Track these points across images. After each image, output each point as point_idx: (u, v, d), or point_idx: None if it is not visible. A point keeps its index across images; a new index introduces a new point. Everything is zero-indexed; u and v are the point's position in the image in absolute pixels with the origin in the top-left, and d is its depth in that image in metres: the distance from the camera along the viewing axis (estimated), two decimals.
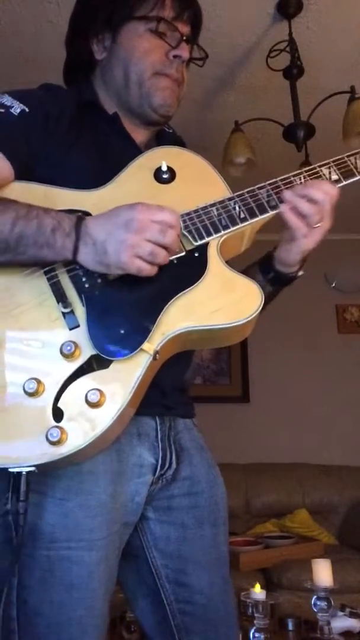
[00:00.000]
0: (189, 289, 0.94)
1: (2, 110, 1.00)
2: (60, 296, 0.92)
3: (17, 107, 1.01)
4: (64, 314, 0.91)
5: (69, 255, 0.90)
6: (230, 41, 2.38)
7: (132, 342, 0.89)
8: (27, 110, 1.01)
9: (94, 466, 0.94)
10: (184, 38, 1.10)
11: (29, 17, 2.25)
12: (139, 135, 1.15)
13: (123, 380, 0.89)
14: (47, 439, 0.84)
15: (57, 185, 1.00)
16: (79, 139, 1.05)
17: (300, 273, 1.14)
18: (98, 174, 1.02)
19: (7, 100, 1.02)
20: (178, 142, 1.20)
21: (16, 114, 1.00)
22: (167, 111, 1.12)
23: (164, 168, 1.01)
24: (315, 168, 1.06)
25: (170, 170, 1.02)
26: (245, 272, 1.15)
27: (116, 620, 2.05)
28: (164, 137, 1.20)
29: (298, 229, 1.02)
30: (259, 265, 1.16)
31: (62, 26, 2.20)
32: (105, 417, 0.87)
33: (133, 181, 1.02)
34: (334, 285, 4.07)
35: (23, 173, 0.99)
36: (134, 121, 1.14)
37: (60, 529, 0.91)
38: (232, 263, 1.02)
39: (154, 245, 0.89)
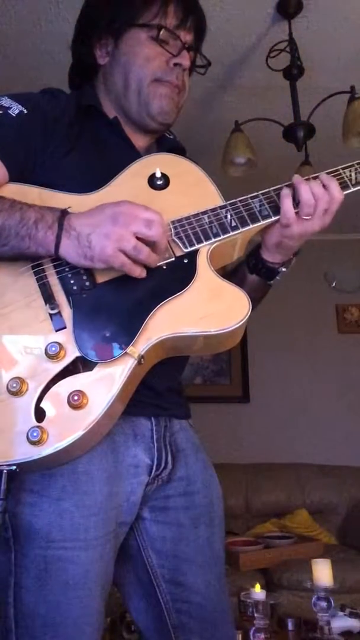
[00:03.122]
0: (176, 294, 0.94)
1: (0, 112, 1.00)
2: (48, 297, 0.92)
3: (15, 108, 1.01)
4: (51, 315, 0.92)
5: (50, 247, 0.90)
6: (230, 41, 2.38)
7: (117, 345, 0.90)
8: (25, 111, 1.01)
9: (90, 466, 0.95)
10: (186, 46, 1.10)
11: (29, 17, 2.25)
12: (139, 140, 1.15)
13: (106, 383, 0.89)
14: (27, 438, 0.85)
15: (54, 188, 1.00)
16: (78, 143, 1.05)
17: (283, 269, 1.12)
18: (96, 179, 1.02)
19: (6, 101, 1.02)
20: (178, 148, 1.20)
21: (14, 115, 1.00)
22: (165, 119, 1.12)
23: (158, 174, 1.02)
24: (308, 178, 1.05)
25: (165, 176, 1.03)
26: (235, 266, 1.15)
27: (116, 620, 2.05)
28: (164, 142, 1.20)
29: (285, 212, 1.01)
30: (247, 254, 1.14)
31: (62, 26, 2.24)
32: (86, 419, 0.87)
33: (127, 186, 1.02)
34: (334, 285, 4.07)
35: (19, 174, 0.99)
36: (134, 127, 1.14)
37: (56, 528, 0.92)
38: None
39: (138, 241, 0.89)
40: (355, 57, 2.49)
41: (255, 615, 1.91)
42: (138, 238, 0.90)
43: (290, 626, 2.10)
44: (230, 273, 1.16)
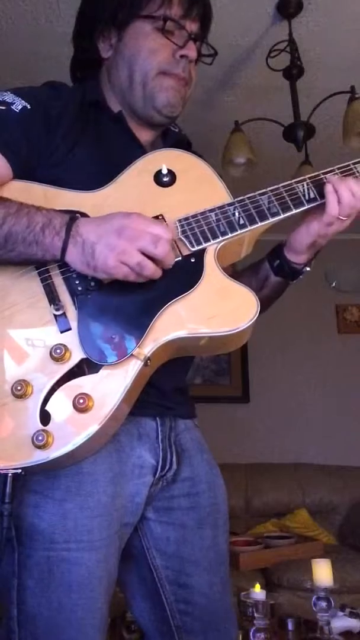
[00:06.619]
0: (183, 295, 0.92)
1: (3, 108, 0.99)
2: (53, 298, 0.91)
3: (18, 104, 0.99)
4: (55, 316, 0.90)
5: (57, 253, 0.89)
6: (230, 41, 2.38)
7: (123, 347, 0.88)
8: (28, 107, 1.00)
9: (94, 467, 0.94)
10: (192, 36, 1.07)
11: (29, 17, 2.25)
12: (144, 134, 1.13)
13: (112, 385, 0.88)
14: (32, 442, 0.84)
15: (59, 184, 0.98)
16: (82, 137, 1.04)
17: (307, 269, 1.11)
18: (100, 174, 1.01)
19: (9, 97, 1.01)
20: (184, 141, 1.18)
21: (17, 110, 0.99)
22: (171, 112, 1.09)
23: (164, 171, 1.00)
24: (319, 175, 1.03)
25: (171, 173, 1.01)
26: (253, 265, 1.14)
27: (116, 620, 2.05)
28: (169, 136, 1.18)
29: (331, 210, 0.99)
30: (268, 254, 1.13)
31: (62, 26, 2.24)
32: (92, 422, 0.86)
33: (133, 183, 1.00)
34: (334, 285, 4.07)
35: (23, 171, 0.98)
36: (139, 122, 1.12)
37: (60, 529, 0.91)
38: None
39: (143, 257, 0.87)
40: (355, 57, 2.49)
41: (255, 615, 1.90)
42: (144, 254, 0.88)
43: (290, 626, 2.09)
44: (250, 273, 1.14)
